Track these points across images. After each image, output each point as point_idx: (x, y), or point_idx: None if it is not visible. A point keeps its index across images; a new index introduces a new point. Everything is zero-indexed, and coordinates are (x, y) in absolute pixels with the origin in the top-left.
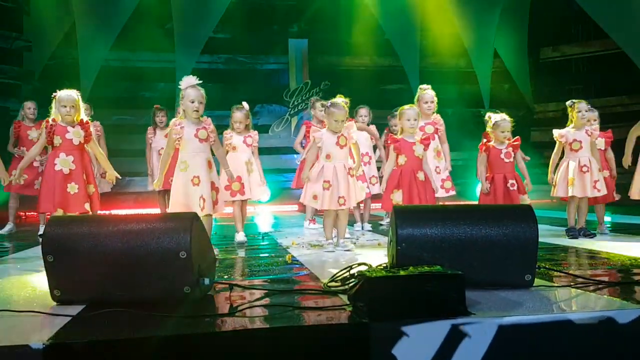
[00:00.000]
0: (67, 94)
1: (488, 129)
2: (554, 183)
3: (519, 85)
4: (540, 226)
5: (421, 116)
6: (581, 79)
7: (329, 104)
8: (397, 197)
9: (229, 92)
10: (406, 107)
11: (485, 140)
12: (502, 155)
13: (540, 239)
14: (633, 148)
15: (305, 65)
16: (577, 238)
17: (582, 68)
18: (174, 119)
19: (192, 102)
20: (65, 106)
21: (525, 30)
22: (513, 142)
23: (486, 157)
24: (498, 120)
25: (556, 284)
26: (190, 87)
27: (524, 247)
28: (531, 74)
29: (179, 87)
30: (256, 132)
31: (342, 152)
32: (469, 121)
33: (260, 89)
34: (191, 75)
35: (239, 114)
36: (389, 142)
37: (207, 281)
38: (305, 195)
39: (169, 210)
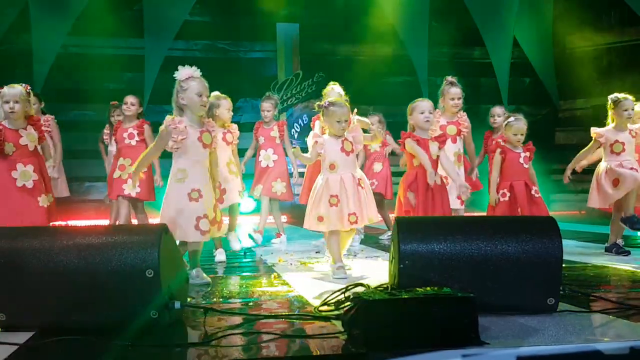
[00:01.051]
0: (9, 88)
1: (503, 132)
2: (590, 191)
3: (542, 79)
4: (565, 241)
5: (443, 113)
6: (614, 72)
7: (326, 103)
8: (412, 199)
9: (208, 84)
10: (419, 99)
11: (498, 140)
12: (521, 160)
13: (566, 257)
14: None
15: (295, 54)
16: (628, 254)
17: (615, 59)
18: (169, 117)
19: (200, 95)
20: (7, 102)
21: (550, 16)
22: (528, 146)
23: (501, 161)
24: (511, 120)
25: (583, 309)
26: (192, 78)
27: (546, 266)
28: (556, 66)
29: (175, 78)
30: (236, 126)
31: (348, 160)
32: (485, 120)
33: (244, 80)
34: (188, 66)
35: (226, 102)
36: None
37: (177, 304)
38: (308, 218)
39: None
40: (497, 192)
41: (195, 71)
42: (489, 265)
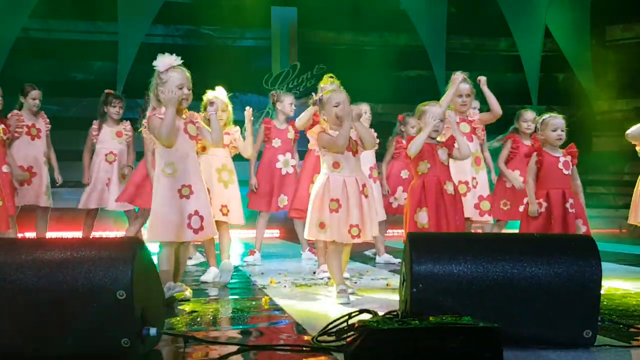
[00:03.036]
0: None
1: (538, 134)
2: (634, 206)
3: (578, 75)
4: (603, 264)
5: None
6: None
7: (320, 95)
8: (422, 218)
9: (199, 79)
10: (429, 104)
11: (533, 142)
12: (561, 165)
13: (606, 282)
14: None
15: (293, 42)
16: None
17: None
18: (150, 110)
19: (181, 87)
20: None
21: (588, 2)
22: (569, 149)
23: (537, 168)
24: (547, 117)
25: (625, 344)
26: (172, 68)
27: (582, 293)
28: (594, 61)
29: (154, 68)
30: (237, 128)
31: (354, 161)
32: (511, 122)
33: (233, 72)
34: (168, 54)
35: (221, 102)
36: (397, 147)
37: (153, 331)
38: (309, 226)
39: (148, 233)
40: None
41: (176, 60)
42: (516, 291)
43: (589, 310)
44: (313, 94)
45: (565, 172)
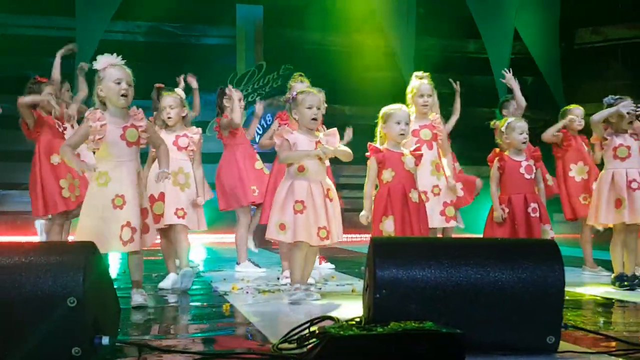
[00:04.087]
0: None
1: (499, 140)
2: (593, 207)
3: (547, 78)
4: (570, 269)
5: (415, 116)
6: (630, 71)
7: (294, 94)
8: (388, 227)
9: (151, 75)
10: (394, 107)
11: (496, 150)
12: (522, 170)
13: (569, 288)
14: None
15: (259, 41)
16: (634, 289)
17: (631, 57)
18: (91, 109)
19: (118, 82)
20: None
21: (557, 5)
22: (533, 152)
23: (499, 173)
24: (511, 120)
25: (588, 350)
26: (111, 66)
27: (545, 298)
28: (563, 64)
29: (93, 67)
30: (199, 129)
31: (321, 167)
32: (479, 125)
33: (196, 71)
34: (108, 54)
35: (170, 99)
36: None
37: (106, 340)
38: (269, 226)
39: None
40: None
41: (115, 58)
42: (480, 296)
43: (552, 315)
44: (289, 96)
45: (527, 176)
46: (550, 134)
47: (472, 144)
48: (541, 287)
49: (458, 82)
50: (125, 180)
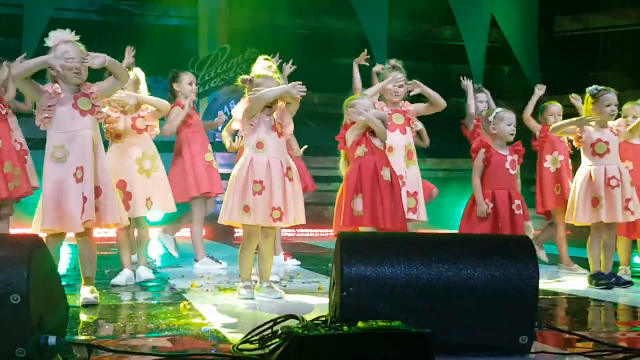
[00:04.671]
0: None
1: (489, 128)
2: (570, 204)
3: (524, 68)
4: (545, 267)
5: (386, 103)
6: (611, 61)
7: (251, 76)
8: (357, 205)
9: (113, 57)
10: (358, 96)
11: (477, 139)
12: (507, 164)
13: (544, 286)
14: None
15: (222, 23)
16: (611, 289)
17: (612, 47)
18: (48, 85)
19: (71, 60)
20: None
21: None
22: (516, 146)
23: (484, 166)
24: (500, 111)
25: (563, 350)
26: (63, 42)
27: (519, 297)
28: (542, 53)
29: (46, 44)
30: (151, 108)
31: (279, 143)
32: (454, 116)
33: (155, 54)
34: (61, 30)
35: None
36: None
37: (52, 340)
38: (230, 209)
39: (35, 223)
40: (472, 204)
41: (68, 34)
42: (451, 294)
43: (525, 315)
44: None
45: (512, 171)
46: (529, 112)
47: (446, 136)
48: (515, 285)
49: (413, 84)
50: (85, 151)
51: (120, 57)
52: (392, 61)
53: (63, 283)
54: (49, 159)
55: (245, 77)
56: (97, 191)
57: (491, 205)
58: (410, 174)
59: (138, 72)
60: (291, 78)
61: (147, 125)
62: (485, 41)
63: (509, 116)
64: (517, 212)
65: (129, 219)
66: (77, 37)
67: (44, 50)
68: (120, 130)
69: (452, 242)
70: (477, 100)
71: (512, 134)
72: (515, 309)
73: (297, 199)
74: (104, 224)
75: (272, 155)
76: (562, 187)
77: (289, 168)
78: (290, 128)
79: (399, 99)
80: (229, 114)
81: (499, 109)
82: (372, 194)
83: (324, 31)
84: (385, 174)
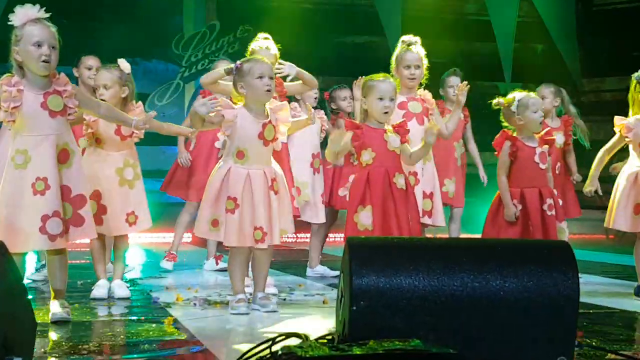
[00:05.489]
0: None
1: (505, 122)
2: (610, 208)
3: (560, 46)
4: (585, 277)
5: (400, 89)
6: None
7: (238, 63)
8: (365, 219)
9: (84, 37)
10: (377, 77)
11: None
12: (537, 158)
13: (585, 298)
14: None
15: None
16: None
17: None
18: (4, 76)
19: (39, 45)
20: None
21: None
22: (545, 136)
23: (510, 161)
24: (522, 97)
25: None
26: (31, 22)
27: (556, 311)
28: (580, 29)
29: (10, 23)
30: (139, 104)
31: (265, 152)
32: (480, 102)
33: (135, 33)
34: (29, 5)
35: (106, 75)
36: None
37: None
38: (199, 222)
39: None
40: (498, 203)
41: (37, 11)
42: (478, 309)
43: (563, 332)
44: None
45: (542, 166)
46: None
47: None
48: (551, 298)
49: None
50: (49, 159)
51: (96, 35)
52: (406, 38)
53: (30, 296)
54: (9, 164)
55: (229, 67)
56: (80, 201)
57: (520, 206)
58: (427, 171)
59: (124, 66)
60: (293, 58)
61: (133, 132)
62: (515, 15)
63: (534, 101)
64: (549, 212)
65: None
66: (47, 15)
67: (6, 28)
68: (102, 135)
69: (478, 248)
70: (447, 85)
71: (541, 122)
72: (552, 325)
73: (284, 212)
74: (86, 237)
75: (254, 167)
76: None
77: (274, 179)
78: (282, 133)
79: (415, 82)
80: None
81: (521, 94)
82: (384, 206)
83: (330, 6)
84: (399, 181)
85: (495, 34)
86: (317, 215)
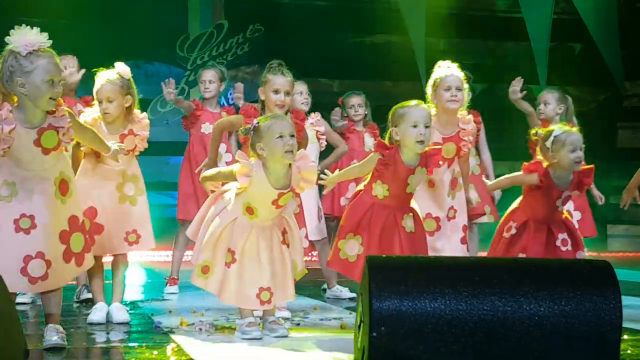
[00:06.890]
0: None
1: (539, 155)
2: None
3: (601, 46)
4: (629, 300)
5: (438, 116)
6: None
7: (255, 123)
8: (350, 249)
9: (81, 39)
10: (409, 104)
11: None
12: (559, 202)
13: (628, 324)
14: None
15: None
16: None
17: None
18: None
19: (52, 82)
20: None
21: None
22: (583, 175)
23: (528, 189)
24: (559, 134)
25: None
26: (42, 56)
27: (597, 339)
28: (622, 28)
29: (9, 46)
30: (144, 115)
31: (278, 212)
32: (511, 107)
33: (138, 35)
34: (28, 28)
35: (109, 85)
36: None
37: None
38: (193, 261)
39: None
40: (507, 222)
41: (40, 39)
42: (510, 336)
43: (606, 358)
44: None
45: (560, 208)
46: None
47: (500, 130)
48: (591, 324)
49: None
50: (38, 196)
51: (100, 36)
52: (444, 63)
53: (22, 321)
54: None
55: (245, 126)
56: (79, 227)
57: (515, 231)
58: (458, 202)
59: (124, 72)
60: (308, 61)
61: (137, 145)
62: (551, 12)
63: (573, 139)
64: (562, 248)
65: None
66: (50, 42)
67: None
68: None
69: (510, 268)
70: (348, 106)
71: (578, 162)
72: (593, 354)
73: (297, 251)
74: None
75: (262, 226)
76: None
77: (284, 232)
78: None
79: (457, 105)
80: (228, 104)
81: (558, 130)
82: (381, 244)
83: (346, 2)
84: (408, 224)
85: (528, 32)
86: (317, 231)
